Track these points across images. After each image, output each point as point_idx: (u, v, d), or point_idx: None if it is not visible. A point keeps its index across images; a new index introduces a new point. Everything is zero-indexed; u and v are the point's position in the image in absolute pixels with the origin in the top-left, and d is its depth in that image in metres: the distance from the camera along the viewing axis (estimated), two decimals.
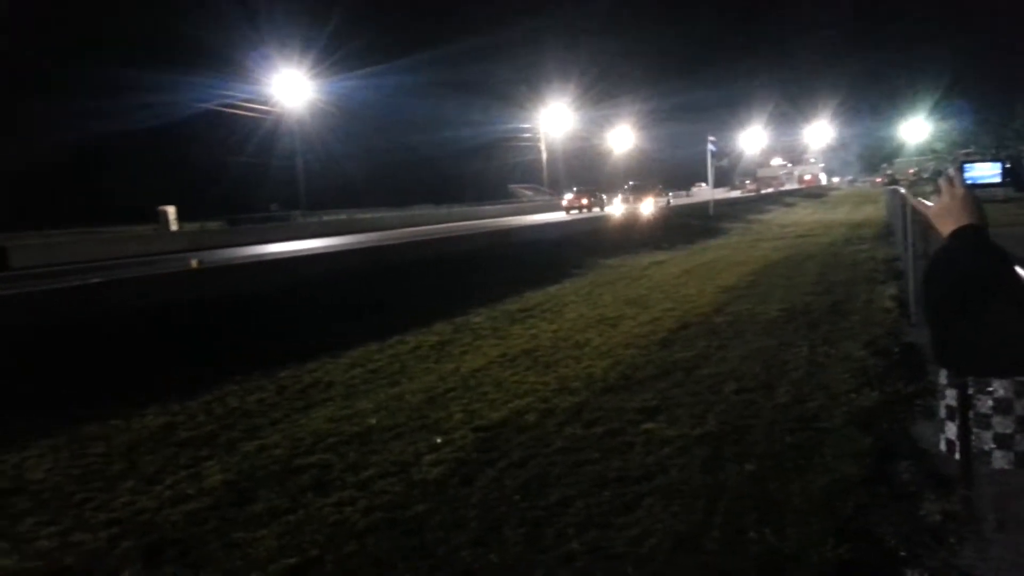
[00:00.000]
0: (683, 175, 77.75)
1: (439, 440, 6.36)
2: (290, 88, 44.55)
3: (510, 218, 34.72)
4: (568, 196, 44.76)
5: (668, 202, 49.29)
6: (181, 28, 47.50)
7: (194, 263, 17.07)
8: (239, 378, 8.75)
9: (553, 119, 62.62)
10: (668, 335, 10.08)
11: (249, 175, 49.13)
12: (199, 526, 4.98)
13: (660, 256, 21.19)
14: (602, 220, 28.77)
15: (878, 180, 78.77)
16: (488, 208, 45.71)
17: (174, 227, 31.02)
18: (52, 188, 43.11)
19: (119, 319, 10.52)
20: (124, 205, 38.41)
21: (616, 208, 40.36)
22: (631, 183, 52.13)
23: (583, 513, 4.85)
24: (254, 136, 49.67)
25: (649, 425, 6.39)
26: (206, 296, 12.25)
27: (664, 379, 7.84)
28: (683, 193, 68.26)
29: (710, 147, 45.14)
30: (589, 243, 22.93)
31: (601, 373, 8.27)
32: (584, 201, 42.86)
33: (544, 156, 66.84)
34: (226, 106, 47.13)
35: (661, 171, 78.50)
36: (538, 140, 65.36)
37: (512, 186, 60.50)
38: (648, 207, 37.85)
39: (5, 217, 37.51)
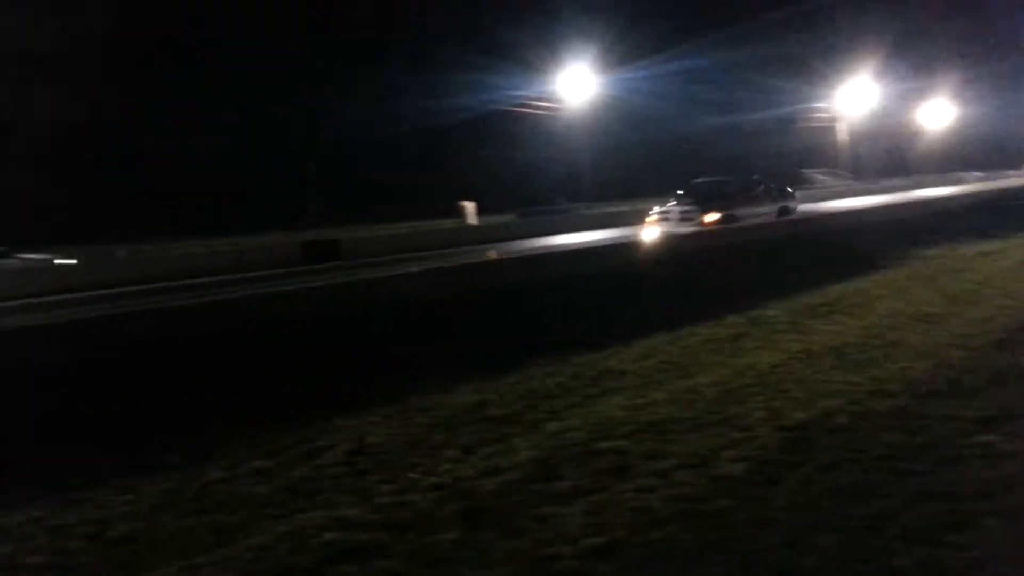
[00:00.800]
0: (1013, 152, 66.84)
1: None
2: (576, 84, 45.88)
3: (807, 204, 32.10)
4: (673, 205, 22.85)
5: (786, 211, 23.66)
6: (477, 31, 50.63)
7: (492, 254, 18.41)
8: (539, 362, 9.26)
9: (853, 95, 57.26)
10: (1006, 336, 8.84)
11: (534, 169, 51.41)
12: (511, 496, 5.37)
13: (989, 245, 18.52)
14: (921, 207, 25.72)
15: None
16: None
17: (473, 220, 33.62)
18: (357, 184, 48.13)
19: (432, 303, 11.68)
20: (426, 200, 42.30)
21: (650, 232, 20.97)
22: (692, 182, 24.55)
23: (907, 527, 4.43)
24: (539, 131, 51.92)
25: (987, 437, 5.67)
26: (504, 284, 13.15)
27: (1004, 386, 6.89)
28: (1012, 173, 58.39)
29: None
30: (899, 232, 20.75)
31: (922, 376, 7.47)
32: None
33: (842, 136, 61.63)
34: (515, 105, 49.81)
35: (983, 149, 68.40)
36: (835, 119, 60.36)
37: (805, 171, 56.06)
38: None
39: (321, 212, 43.83)
